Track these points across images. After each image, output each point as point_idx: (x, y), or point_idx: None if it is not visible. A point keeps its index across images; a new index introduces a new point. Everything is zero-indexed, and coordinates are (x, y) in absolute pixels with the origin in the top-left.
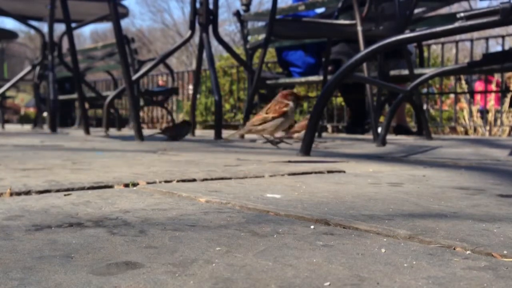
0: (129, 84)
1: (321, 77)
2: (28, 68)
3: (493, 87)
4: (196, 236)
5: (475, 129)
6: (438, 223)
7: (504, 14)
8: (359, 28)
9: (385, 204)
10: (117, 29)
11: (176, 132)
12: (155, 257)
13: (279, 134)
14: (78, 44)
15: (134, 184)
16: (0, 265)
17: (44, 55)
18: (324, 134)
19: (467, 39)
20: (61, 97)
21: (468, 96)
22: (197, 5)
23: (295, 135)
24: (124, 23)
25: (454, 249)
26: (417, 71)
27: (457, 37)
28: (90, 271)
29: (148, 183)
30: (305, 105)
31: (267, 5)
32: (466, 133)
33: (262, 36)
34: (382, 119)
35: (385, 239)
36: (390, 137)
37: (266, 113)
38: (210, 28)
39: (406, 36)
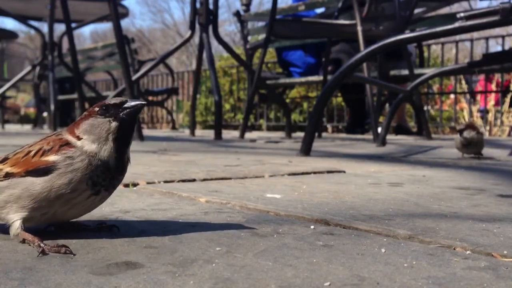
0: (129, 84)
1: (321, 77)
2: (28, 68)
3: (493, 87)
4: (196, 236)
5: None
6: (438, 223)
7: (504, 14)
8: (359, 28)
9: (385, 204)
10: (117, 29)
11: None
12: (155, 257)
13: None
14: (78, 44)
15: (134, 184)
16: (0, 265)
17: (44, 55)
18: (324, 134)
19: (467, 39)
20: (61, 97)
21: (468, 96)
22: (197, 5)
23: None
24: (124, 23)
25: (454, 249)
26: (417, 71)
27: (457, 37)
28: (90, 271)
29: (148, 183)
30: (305, 105)
31: (267, 5)
32: None
33: (262, 36)
34: (382, 119)
35: (385, 239)
36: (390, 137)
37: None
38: (210, 28)
39: (406, 36)
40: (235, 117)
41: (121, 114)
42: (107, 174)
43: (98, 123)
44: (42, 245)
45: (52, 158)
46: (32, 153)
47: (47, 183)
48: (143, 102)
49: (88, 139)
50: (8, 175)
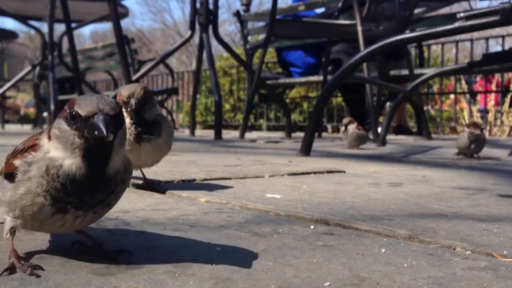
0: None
1: (321, 77)
2: (28, 68)
3: (493, 87)
4: (196, 236)
5: None
6: (438, 223)
7: (504, 14)
8: (359, 28)
9: (385, 204)
10: (117, 29)
11: None
12: (155, 257)
13: None
14: (78, 44)
15: (134, 184)
16: (0, 265)
17: (44, 55)
18: (324, 134)
19: (467, 39)
20: (61, 97)
21: (468, 96)
22: (197, 5)
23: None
24: (124, 23)
25: (454, 249)
26: (417, 71)
27: (457, 37)
28: (90, 271)
29: None
30: (305, 105)
31: (267, 5)
32: None
33: (262, 36)
34: (382, 119)
35: (385, 239)
36: (390, 137)
37: None
38: (210, 28)
39: (406, 36)
40: (235, 117)
41: (85, 132)
42: (74, 190)
43: (64, 131)
44: (13, 261)
45: (16, 162)
46: (15, 152)
47: (13, 191)
48: (105, 135)
49: (57, 145)
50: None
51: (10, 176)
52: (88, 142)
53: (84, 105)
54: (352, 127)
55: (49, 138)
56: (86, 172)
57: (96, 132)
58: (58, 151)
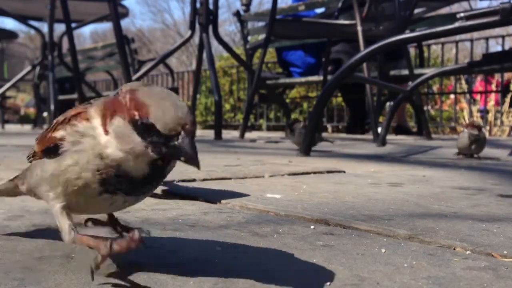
0: None
1: (321, 77)
2: (28, 68)
3: (493, 87)
4: (196, 236)
5: None
6: (438, 223)
7: (504, 14)
8: (359, 28)
9: (385, 204)
10: (117, 29)
11: None
12: (155, 257)
13: None
14: (78, 44)
15: None
16: (0, 265)
17: (44, 55)
18: (324, 134)
19: (467, 39)
20: (61, 97)
21: (468, 96)
22: (197, 5)
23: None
24: (124, 23)
25: (454, 249)
26: (417, 71)
27: (457, 37)
28: (90, 271)
29: None
30: (305, 105)
31: (267, 5)
32: None
33: (262, 36)
34: (382, 119)
35: (385, 239)
36: (390, 137)
37: None
38: (210, 28)
39: (406, 36)
40: (235, 117)
41: (163, 150)
42: (123, 178)
43: (131, 139)
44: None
45: (59, 134)
46: (53, 125)
47: (57, 163)
48: (198, 163)
49: (117, 145)
50: (35, 154)
51: (52, 150)
52: (164, 159)
53: (161, 115)
54: (299, 127)
55: (106, 131)
56: (146, 174)
57: (182, 158)
58: (119, 153)
